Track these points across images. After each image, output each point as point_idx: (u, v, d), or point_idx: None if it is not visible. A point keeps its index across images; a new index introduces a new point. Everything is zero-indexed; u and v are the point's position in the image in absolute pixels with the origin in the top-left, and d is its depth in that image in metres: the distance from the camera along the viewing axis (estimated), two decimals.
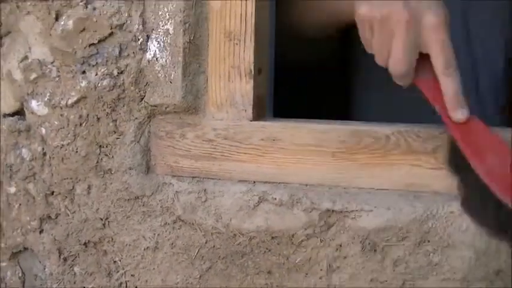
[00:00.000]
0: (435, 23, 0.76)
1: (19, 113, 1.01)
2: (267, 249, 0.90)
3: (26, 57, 0.99)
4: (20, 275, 1.03)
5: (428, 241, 0.84)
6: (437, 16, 0.76)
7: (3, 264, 1.03)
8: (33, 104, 0.98)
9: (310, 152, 0.89)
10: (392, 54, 0.78)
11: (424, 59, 0.80)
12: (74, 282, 0.99)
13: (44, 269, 1.00)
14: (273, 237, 0.89)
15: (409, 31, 0.76)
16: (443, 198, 0.84)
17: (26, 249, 1.02)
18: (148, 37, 0.92)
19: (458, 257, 0.83)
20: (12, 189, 1.00)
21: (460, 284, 0.83)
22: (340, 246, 0.87)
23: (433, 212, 0.84)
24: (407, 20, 0.76)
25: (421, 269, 0.84)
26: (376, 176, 0.87)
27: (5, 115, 1.01)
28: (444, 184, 0.85)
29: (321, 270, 0.88)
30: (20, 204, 1.00)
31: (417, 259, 0.84)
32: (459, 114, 0.79)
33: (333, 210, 0.86)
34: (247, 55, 0.90)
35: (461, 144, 0.78)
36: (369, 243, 0.85)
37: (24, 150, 0.99)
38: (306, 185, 0.89)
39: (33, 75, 0.98)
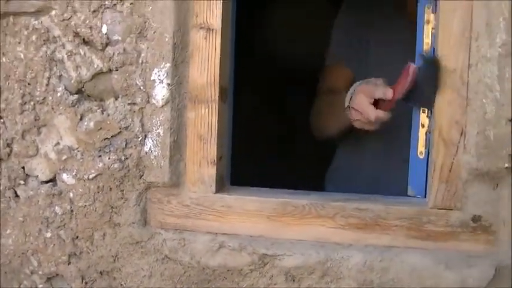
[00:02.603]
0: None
1: (52, 180, 1.43)
2: (224, 277, 1.34)
3: (58, 143, 1.40)
4: None
5: (328, 275, 1.29)
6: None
7: (40, 286, 1.45)
8: (64, 176, 1.40)
9: (254, 215, 1.34)
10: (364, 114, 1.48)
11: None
12: None
13: None
14: (228, 270, 1.34)
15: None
16: (338, 247, 1.30)
17: (57, 275, 1.44)
18: (145, 136, 1.35)
19: (347, 285, 1.29)
20: (48, 234, 1.42)
21: None
22: (272, 277, 1.32)
23: (331, 257, 1.29)
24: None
25: None
26: (295, 232, 1.33)
27: (42, 182, 1.43)
28: (339, 238, 1.31)
29: None
30: (54, 245, 1.42)
31: (321, 286, 1.30)
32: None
33: (267, 254, 1.31)
34: (212, 150, 1.34)
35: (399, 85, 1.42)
36: (290, 276, 1.31)
37: (57, 208, 1.41)
38: (250, 236, 1.34)
39: (64, 157, 1.40)
